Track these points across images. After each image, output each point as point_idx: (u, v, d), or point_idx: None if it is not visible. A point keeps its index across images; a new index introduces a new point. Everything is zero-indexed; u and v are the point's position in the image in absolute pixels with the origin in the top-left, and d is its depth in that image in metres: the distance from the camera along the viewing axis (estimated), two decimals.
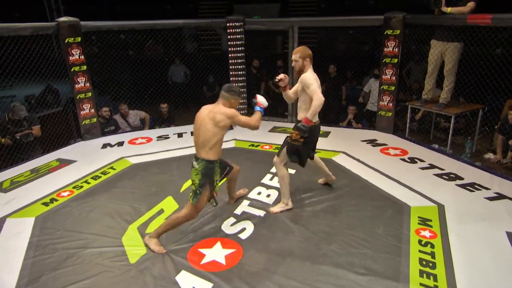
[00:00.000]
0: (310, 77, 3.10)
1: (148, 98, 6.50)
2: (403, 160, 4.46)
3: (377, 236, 2.95)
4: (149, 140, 5.44)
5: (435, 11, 4.52)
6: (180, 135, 5.62)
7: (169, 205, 3.53)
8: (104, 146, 5.20)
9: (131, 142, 5.34)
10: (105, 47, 6.16)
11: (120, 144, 5.26)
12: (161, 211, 3.42)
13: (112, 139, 5.47)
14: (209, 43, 8.07)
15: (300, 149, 3.22)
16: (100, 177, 4.17)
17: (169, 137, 5.54)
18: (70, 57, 5.07)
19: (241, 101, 3.66)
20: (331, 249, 2.80)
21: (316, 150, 3.58)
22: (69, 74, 5.15)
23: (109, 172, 4.29)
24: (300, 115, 3.23)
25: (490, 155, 4.75)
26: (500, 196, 3.51)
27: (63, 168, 4.47)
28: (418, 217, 3.18)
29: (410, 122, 5.36)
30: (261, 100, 3.05)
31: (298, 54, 3.13)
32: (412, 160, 4.43)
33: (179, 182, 3.97)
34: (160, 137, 5.54)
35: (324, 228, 3.09)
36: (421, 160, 4.40)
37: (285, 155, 3.29)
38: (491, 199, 3.47)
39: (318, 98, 2.99)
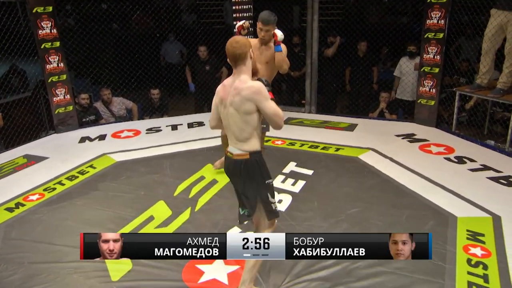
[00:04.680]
0: None
1: (135, 82, 6.52)
2: (449, 159, 4.42)
3: None
4: (137, 133, 5.47)
5: None
6: (174, 127, 5.64)
7: (160, 211, 3.55)
8: (82, 140, 5.25)
9: (115, 135, 5.38)
10: (83, 19, 6.18)
11: (102, 137, 5.31)
12: (151, 218, 3.44)
13: (92, 131, 5.52)
14: (210, 16, 8.05)
15: None
16: (77, 177, 4.21)
17: (161, 130, 5.57)
18: (40, 31, 5.12)
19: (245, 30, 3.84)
20: (356, 267, 2.78)
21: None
22: (39, 52, 5.20)
23: (88, 172, 4.32)
24: None
25: None
26: None
27: (31, 166, 4.52)
28: (467, 230, 3.15)
29: (458, 113, 5.28)
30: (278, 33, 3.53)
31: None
32: (460, 160, 4.38)
33: (172, 184, 3.99)
34: (150, 130, 5.57)
35: None
36: (472, 160, 4.36)
37: None
38: None
39: None
